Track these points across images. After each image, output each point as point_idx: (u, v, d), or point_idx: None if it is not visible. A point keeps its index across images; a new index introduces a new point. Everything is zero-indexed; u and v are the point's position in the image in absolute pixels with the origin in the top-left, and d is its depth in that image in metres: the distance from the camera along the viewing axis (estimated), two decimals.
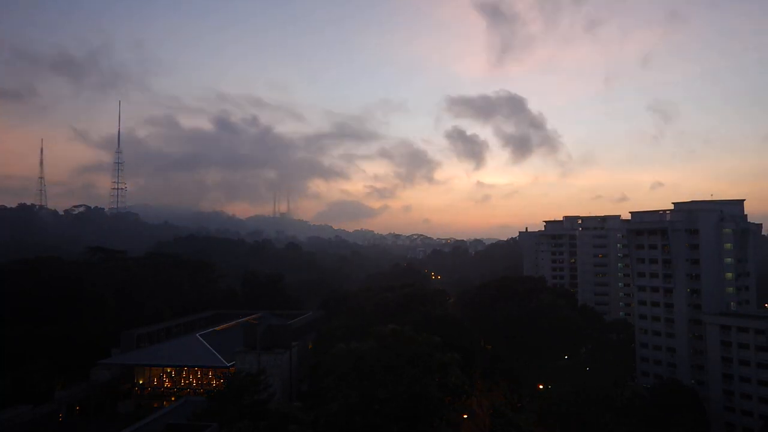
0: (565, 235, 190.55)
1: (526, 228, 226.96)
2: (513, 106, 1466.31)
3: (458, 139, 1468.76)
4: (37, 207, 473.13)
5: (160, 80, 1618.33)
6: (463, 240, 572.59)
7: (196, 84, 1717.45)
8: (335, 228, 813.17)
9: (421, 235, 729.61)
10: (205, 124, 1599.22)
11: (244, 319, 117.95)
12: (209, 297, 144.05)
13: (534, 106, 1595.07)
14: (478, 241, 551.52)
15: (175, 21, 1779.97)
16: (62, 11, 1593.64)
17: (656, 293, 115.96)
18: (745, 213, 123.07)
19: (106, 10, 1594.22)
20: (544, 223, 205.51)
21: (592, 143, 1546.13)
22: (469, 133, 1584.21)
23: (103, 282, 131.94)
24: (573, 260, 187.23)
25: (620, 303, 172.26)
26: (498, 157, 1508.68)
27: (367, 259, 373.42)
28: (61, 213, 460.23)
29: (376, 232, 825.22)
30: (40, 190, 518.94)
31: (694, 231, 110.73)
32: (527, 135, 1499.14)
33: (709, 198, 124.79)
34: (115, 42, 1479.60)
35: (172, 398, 79.59)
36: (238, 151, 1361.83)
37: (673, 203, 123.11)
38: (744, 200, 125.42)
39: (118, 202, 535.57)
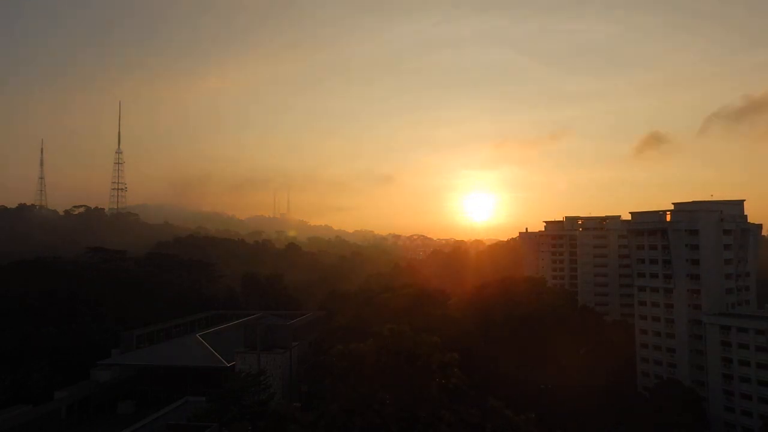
0: (565, 235, 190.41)
1: (526, 228, 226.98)
2: None
3: None
4: (37, 207, 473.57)
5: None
6: (463, 240, 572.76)
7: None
8: (335, 228, 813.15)
9: (421, 235, 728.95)
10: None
11: (244, 319, 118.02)
12: (209, 297, 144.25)
13: None
14: (478, 242, 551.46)
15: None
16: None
17: (656, 293, 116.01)
18: (745, 213, 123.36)
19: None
20: (545, 223, 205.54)
21: None
22: None
23: (103, 282, 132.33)
24: (573, 260, 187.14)
25: (620, 303, 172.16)
26: None
27: (367, 260, 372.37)
28: (61, 213, 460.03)
29: (376, 233, 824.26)
30: (40, 190, 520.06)
31: (694, 231, 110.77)
32: None
33: (709, 198, 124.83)
34: (116, 41, 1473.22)
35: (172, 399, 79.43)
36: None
37: (673, 203, 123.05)
38: (744, 200, 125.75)
39: (118, 202, 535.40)
